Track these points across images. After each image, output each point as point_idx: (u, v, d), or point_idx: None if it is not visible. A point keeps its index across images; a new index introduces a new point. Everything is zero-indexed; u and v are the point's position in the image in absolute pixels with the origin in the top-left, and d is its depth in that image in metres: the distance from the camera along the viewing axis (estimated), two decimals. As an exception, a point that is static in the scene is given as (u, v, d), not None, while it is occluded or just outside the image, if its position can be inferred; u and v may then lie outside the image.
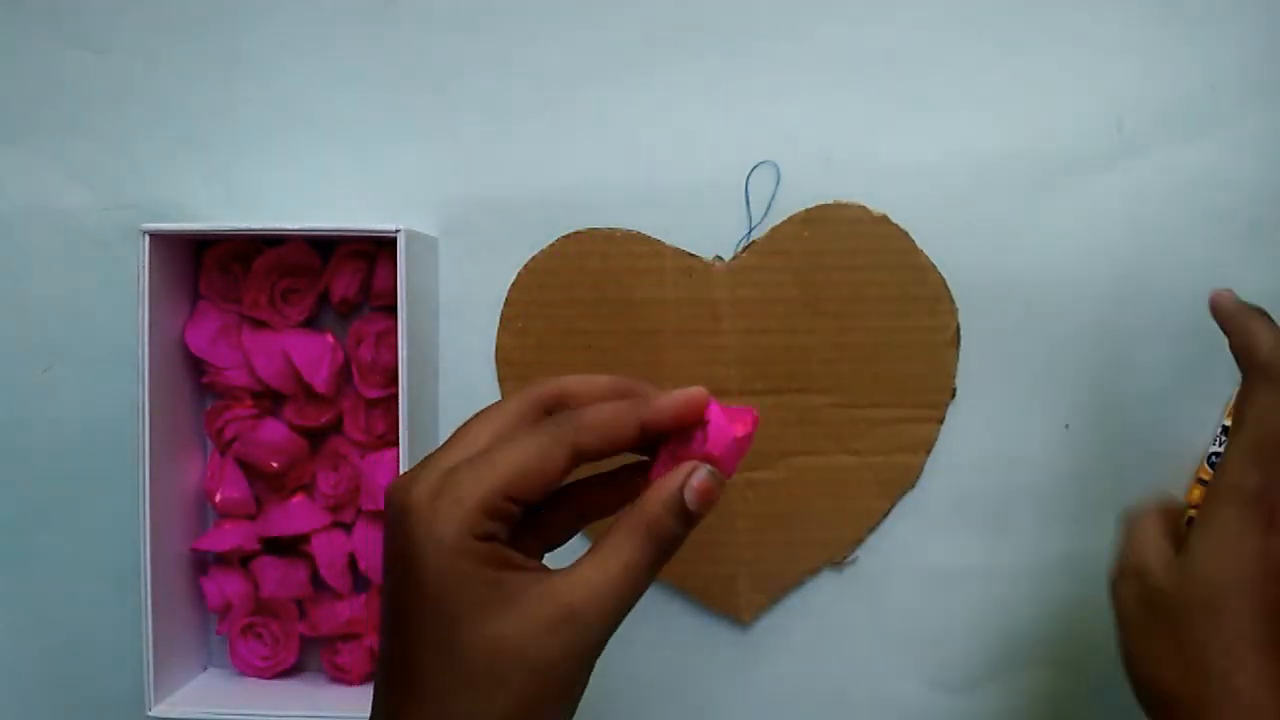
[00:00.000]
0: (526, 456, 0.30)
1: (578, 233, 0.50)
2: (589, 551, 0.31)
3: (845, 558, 0.50)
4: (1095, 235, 0.49)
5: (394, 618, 0.30)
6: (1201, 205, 0.49)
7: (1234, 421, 0.37)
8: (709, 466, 0.31)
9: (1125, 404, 0.49)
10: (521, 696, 0.29)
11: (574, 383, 0.34)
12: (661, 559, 0.31)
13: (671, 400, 0.31)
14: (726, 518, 0.50)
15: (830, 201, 0.49)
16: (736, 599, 0.50)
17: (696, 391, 0.32)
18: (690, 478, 0.31)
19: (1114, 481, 0.49)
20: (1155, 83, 0.49)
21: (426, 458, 0.32)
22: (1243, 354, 0.38)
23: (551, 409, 0.33)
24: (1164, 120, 0.49)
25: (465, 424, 0.33)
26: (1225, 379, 0.49)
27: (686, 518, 0.31)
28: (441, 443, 0.33)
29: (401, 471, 0.46)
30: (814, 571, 0.50)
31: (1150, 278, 0.49)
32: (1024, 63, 0.49)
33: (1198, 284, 0.49)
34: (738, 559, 0.50)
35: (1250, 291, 0.49)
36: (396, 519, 0.30)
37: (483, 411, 0.33)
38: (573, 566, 0.30)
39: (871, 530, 0.50)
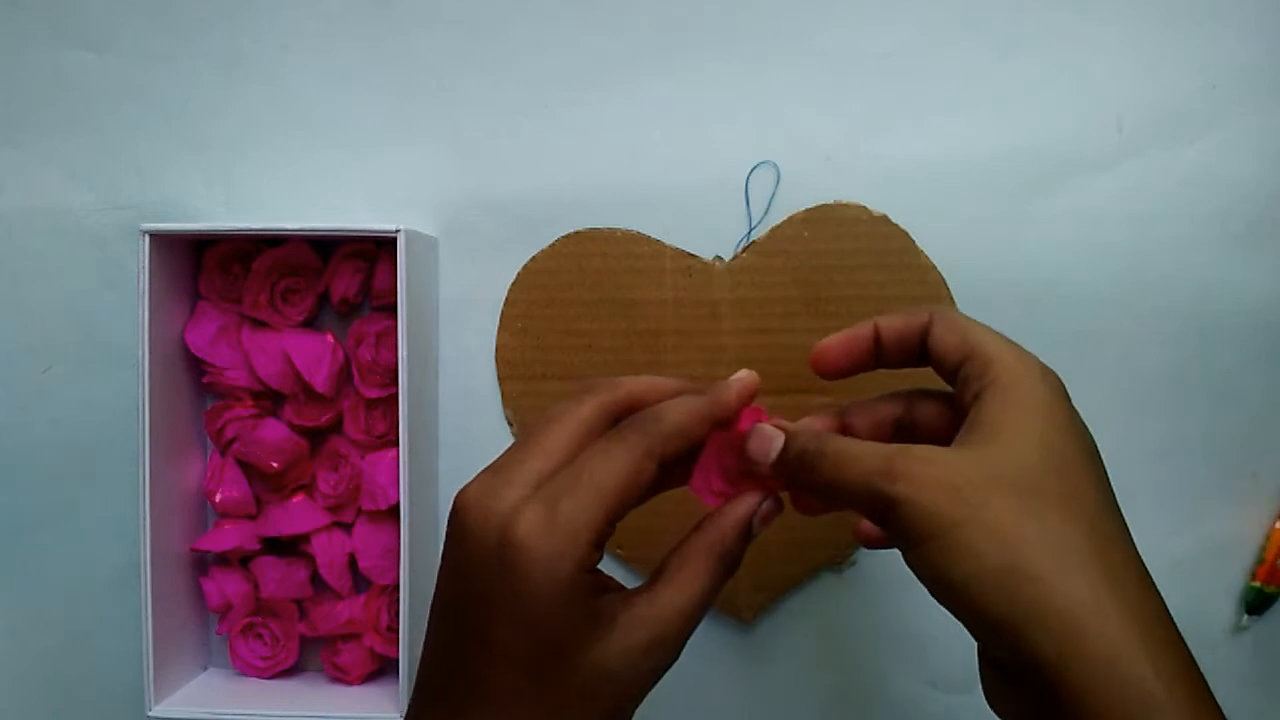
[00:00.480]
0: (624, 478, 0.30)
1: (578, 233, 0.50)
2: (665, 574, 0.31)
3: (845, 558, 0.50)
4: (1095, 235, 0.49)
5: (481, 640, 0.29)
6: (1201, 205, 0.49)
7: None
8: (776, 495, 0.33)
9: (1124, 402, 0.49)
10: (607, 714, 0.30)
11: (642, 387, 0.33)
12: (727, 580, 0.32)
13: (731, 390, 0.33)
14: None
15: (830, 201, 0.49)
16: (736, 599, 0.50)
17: (748, 376, 0.34)
18: (760, 506, 0.33)
19: (1113, 480, 0.49)
20: (1155, 83, 0.49)
21: (504, 464, 0.31)
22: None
23: (621, 416, 0.32)
24: (1163, 120, 0.49)
25: (540, 428, 0.31)
26: (1224, 378, 0.49)
27: (749, 541, 0.33)
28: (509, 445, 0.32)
29: (403, 470, 0.46)
30: (814, 571, 0.50)
31: (1150, 278, 0.49)
32: (1024, 63, 0.49)
33: (1198, 284, 0.49)
34: (738, 559, 0.50)
35: (1250, 291, 0.49)
36: (499, 549, 0.29)
37: (554, 415, 0.32)
38: (653, 589, 0.31)
39: (871, 530, 0.50)
